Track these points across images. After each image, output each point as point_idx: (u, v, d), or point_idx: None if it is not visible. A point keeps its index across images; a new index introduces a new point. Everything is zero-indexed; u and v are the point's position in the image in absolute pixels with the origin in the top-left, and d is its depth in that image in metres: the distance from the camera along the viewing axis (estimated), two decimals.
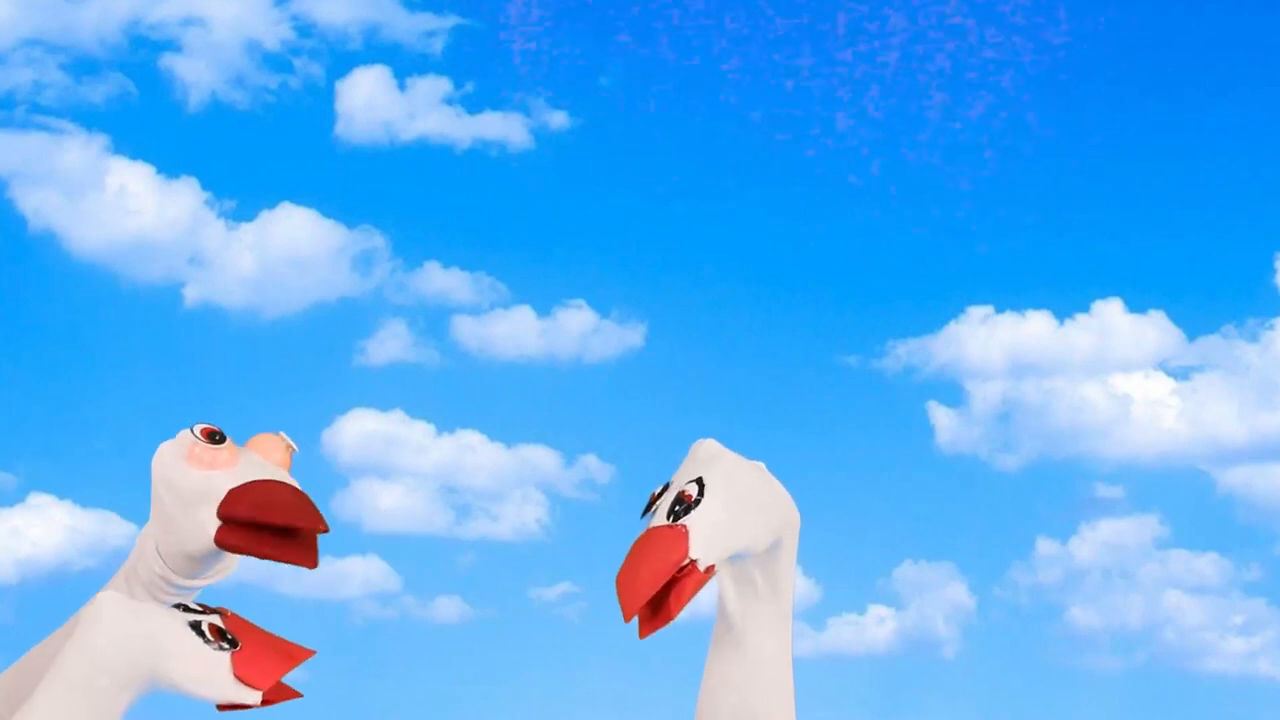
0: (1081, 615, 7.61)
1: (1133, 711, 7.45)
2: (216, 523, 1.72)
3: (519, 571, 7.65)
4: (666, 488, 1.73)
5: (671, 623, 1.69)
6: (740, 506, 1.71)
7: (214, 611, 1.68)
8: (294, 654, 1.67)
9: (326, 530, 1.73)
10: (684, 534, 1.69)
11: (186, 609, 1.67)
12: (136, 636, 1.61)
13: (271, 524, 1.70)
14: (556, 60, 8.07)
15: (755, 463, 1.78)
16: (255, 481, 1.72)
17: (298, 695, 1.66)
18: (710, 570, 1.68)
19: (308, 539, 1.73)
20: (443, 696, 7.34)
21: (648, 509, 1.74)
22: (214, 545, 1.74)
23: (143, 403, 7.39)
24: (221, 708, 1.65)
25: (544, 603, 7.55)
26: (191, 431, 1.76)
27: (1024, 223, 8.03)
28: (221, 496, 1.72)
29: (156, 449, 1.77)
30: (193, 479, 1.74)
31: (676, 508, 1.70)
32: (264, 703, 1.64)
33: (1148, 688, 7.47)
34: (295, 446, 1.81)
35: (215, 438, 1.76)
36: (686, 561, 1.66)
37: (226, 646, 1.63)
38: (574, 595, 7.57)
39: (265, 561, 1.74)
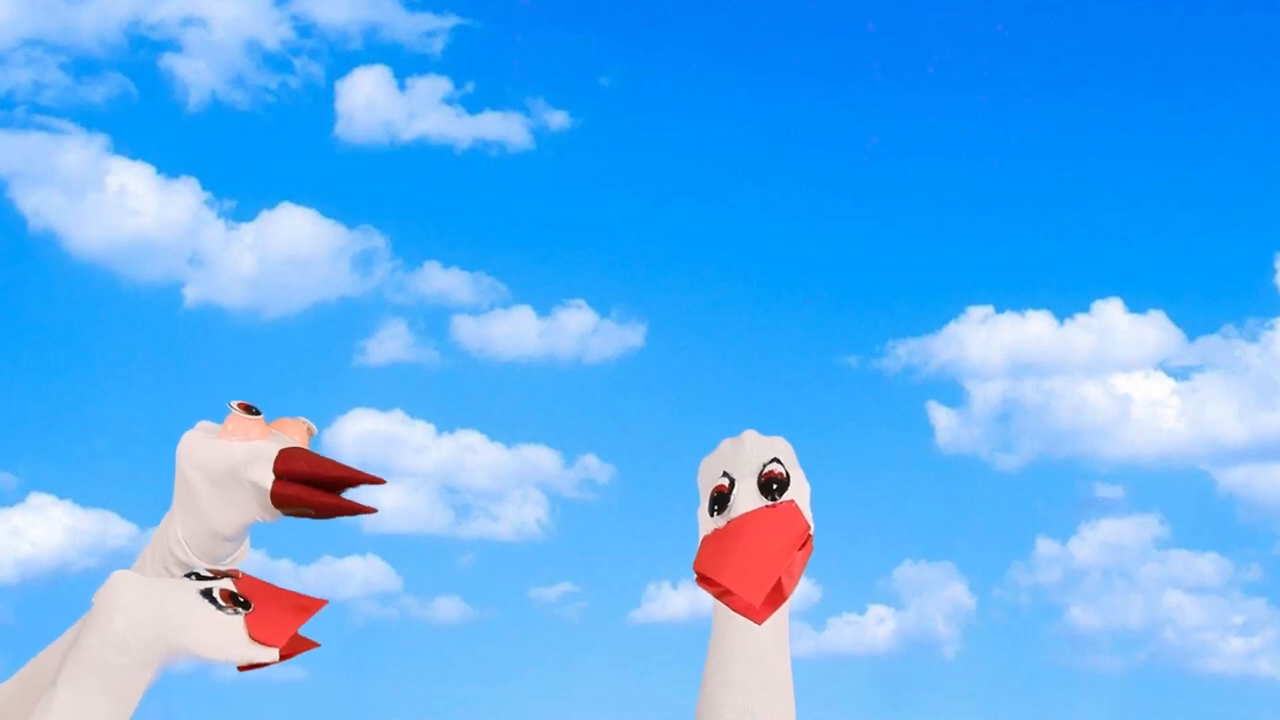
0: (1081, 615, 7.62)
1: (1133, 711, 7.45)
2: (271, 479, 1.75)
3: (519, 571, 7.66)
4: (731, 480, 1.73)
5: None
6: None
7: (225, 575, 1.69)
8: (307, 606, 1.69)
9: (383, 482, 1.78)
10: (797, 508, 1.71)
11: (198, 576, 1.69)
12: (152, 613, 1.63)
13: (332, 476, 1.75)
14: (556, 60, 8.08)
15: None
16: (299, 445, 1.79)
17: (315, 645, 1.69)
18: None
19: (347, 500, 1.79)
20: (443, 696, 7.34)
21: (718, 506, 1.73)
22: (264, 508, 1.77)
23: (143, 403, 7.40)
24: (243, 668, 1.67)
25: (544, 603, 7.56)
26: (229, 405, 1.81)
27: (1024, 223, 8.04)
28: (274, 455, 1.76)
29: (180, 440, 1.80)
30: (235, 448, 1.78)
31: (774, 486, 1.72)
32: (282, 657, 1.66)
33: (1148, 688, 7.48)
34: (315, 429, 1.85)
35: (251, 410, 1.81)
36: (808, 536, 1.69)
37: (239, 610, 1.65)
38: (574, 595, 7.58)
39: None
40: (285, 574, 7.36)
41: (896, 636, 7.54)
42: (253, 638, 1.64)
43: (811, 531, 1.71)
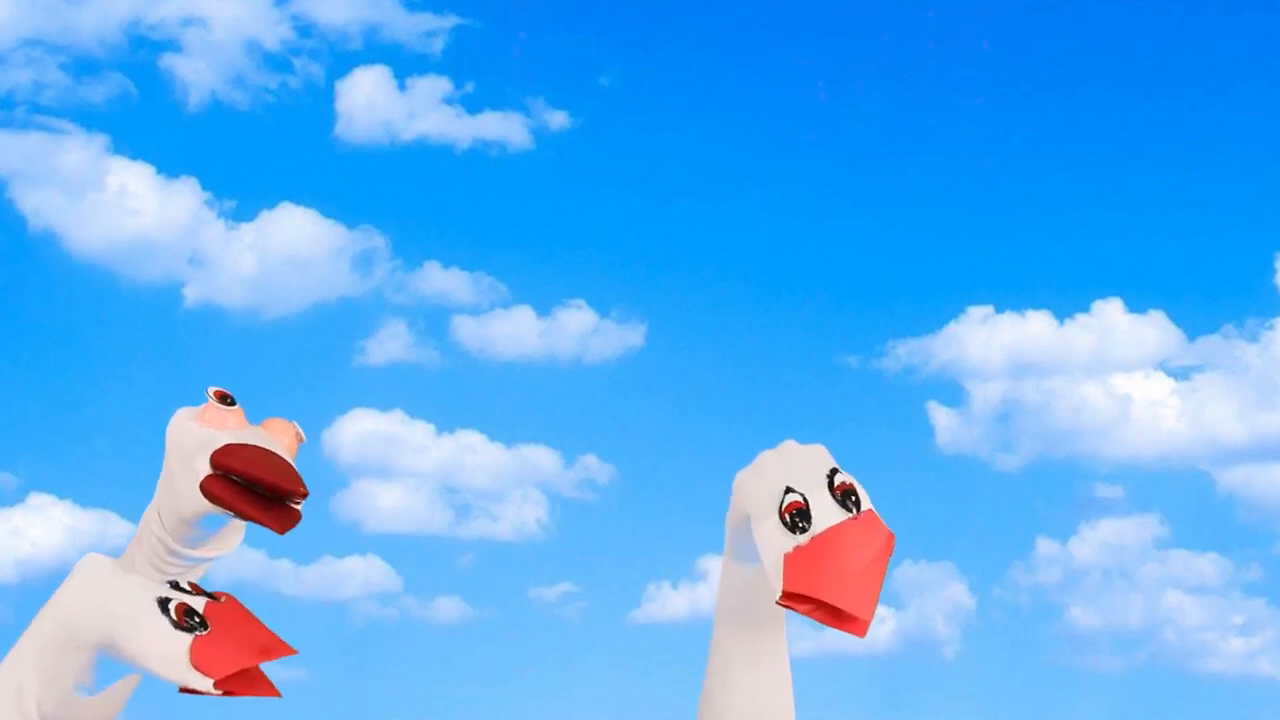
0: (1081, 615, 7.62)
1: (1133, 711, 7.45)
2: (206, 470, 1.69)
3: (519, 571, 7.66)
4: (802, 496, 1.68)
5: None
6: None
7: (210, 596, 1.64)
8: (268, 649, 1.60)
9: (306, 494, 1.70)
10: (878, 517, 1.67)
11: (176, 586, 1.64)
12: (99, 599, 1.60)
13: (258, 480, 1.68)
14: (556, 60, 8.08)
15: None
16: (253, 443, 1.74)
17: (276, 694, 1.61)
18: None
19: (288, 511, 1.74)
20: (443, 696, 7.34)
21: (799, 524, 1.67)
22: (202, 499, 1.73)
23: (143, 403, 7.40)
24: (183, 690, 1.58)
25: (544, 603, 7.56)
26: (207, 394, 1.78)
27: (1024, 223, 8.04)
28: (219, 447, 1.70)
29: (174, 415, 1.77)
30: (197, 432, 1.74)
31: (853, 498, 1.68)
32: (226, 693, 1.58)
33: (1148, 688, 7.48)
34: (304, 437, 1.82)
35: (226, 400, 1.77)
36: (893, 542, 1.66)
37: (192, 629, 1.57)
38: (574, 595, 7.57)
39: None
40: (285, 574, 7.37)
41: (896, 636, 7.55)
42: (192, 663, 1.55)
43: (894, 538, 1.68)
